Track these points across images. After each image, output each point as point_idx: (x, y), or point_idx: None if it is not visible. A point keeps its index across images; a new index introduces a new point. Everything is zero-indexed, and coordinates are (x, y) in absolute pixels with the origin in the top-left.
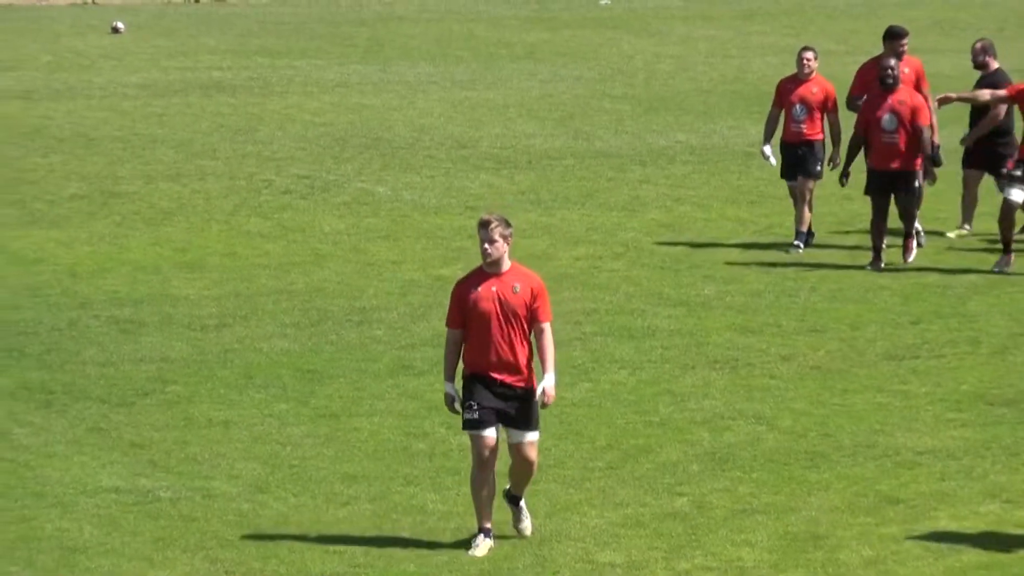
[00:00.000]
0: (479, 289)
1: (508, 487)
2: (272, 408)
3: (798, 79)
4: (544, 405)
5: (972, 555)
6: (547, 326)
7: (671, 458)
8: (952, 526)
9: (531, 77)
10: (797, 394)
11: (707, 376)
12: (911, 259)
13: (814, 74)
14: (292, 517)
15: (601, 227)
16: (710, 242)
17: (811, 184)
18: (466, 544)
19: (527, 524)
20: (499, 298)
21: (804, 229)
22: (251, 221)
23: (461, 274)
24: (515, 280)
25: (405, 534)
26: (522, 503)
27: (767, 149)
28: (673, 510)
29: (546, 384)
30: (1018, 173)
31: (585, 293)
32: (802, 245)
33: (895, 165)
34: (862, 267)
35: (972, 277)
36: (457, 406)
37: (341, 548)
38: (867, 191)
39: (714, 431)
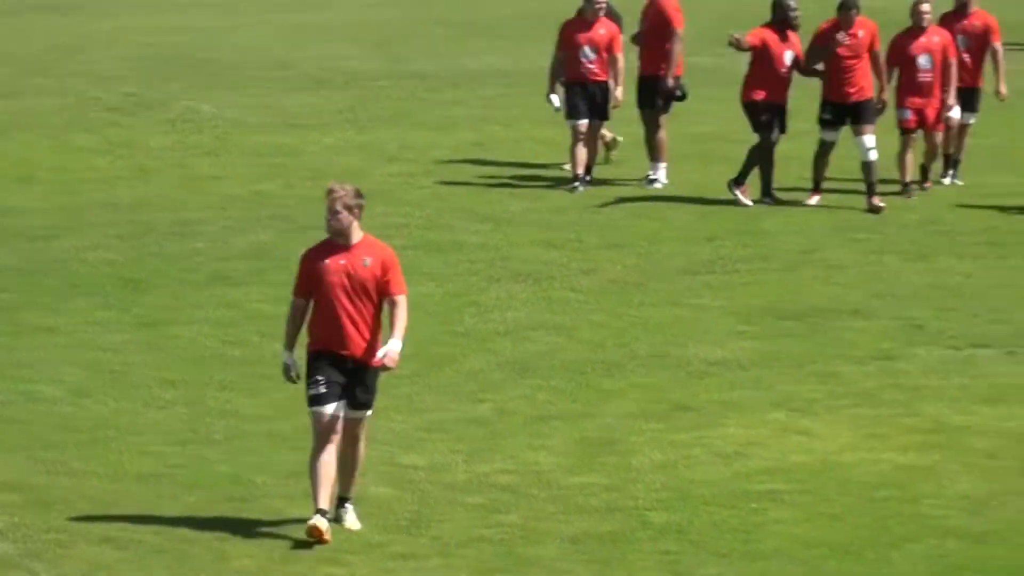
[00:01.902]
0: (327, 262)
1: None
2: (95, 316)
3: (586, 22)
4: (385, 368)
5: (758, 460)
6: (401, 299)
7: (474, 367)
8: (739, 433)
9: (350, 1)
10: (596, 307)
11: (511, 289)
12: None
13: (600, 17)
14: (112, 420)
15: (413, 145)
16: (517, 161)
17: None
18: (278, 445)
19: (353, 521)
20: (348, 272)
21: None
22: (80, 137)
23: (310, 245)
24: (365, 253)
25: (218, 436)
26: (349, 505)
27: (555, 98)
28: (475, 416)
29: (390, 347)
30: (828, 116)
31: (396, 208)
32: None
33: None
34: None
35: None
36: (294, 375)
37: (157, 449)
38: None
39: (516, 341)
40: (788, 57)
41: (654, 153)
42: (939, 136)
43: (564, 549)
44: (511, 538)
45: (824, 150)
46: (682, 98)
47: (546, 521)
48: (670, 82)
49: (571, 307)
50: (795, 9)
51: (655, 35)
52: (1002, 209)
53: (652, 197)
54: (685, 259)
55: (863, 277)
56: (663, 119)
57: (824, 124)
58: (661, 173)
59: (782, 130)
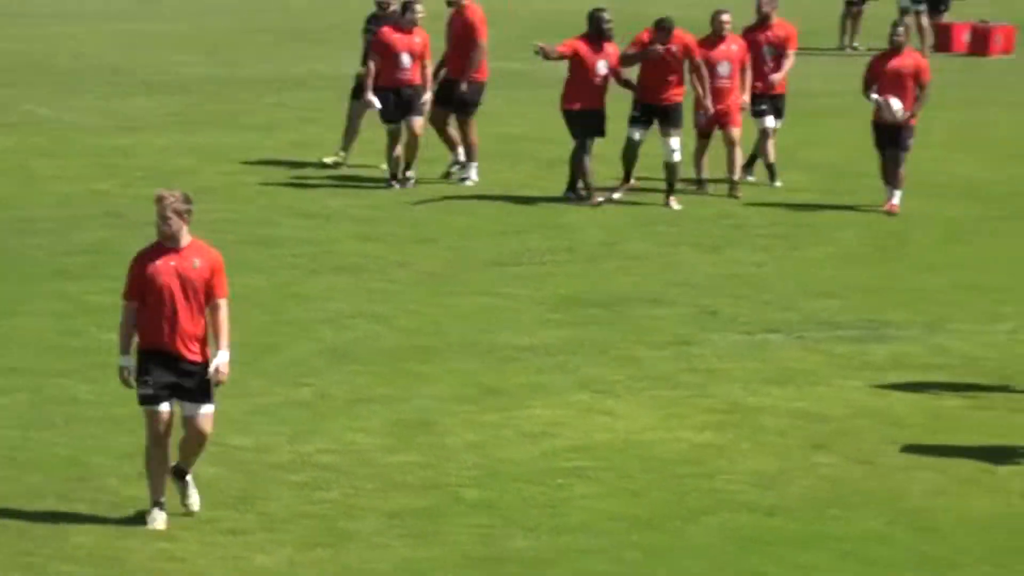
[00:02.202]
0: (157, 263)
1: (176, 463)
2: None
3: (404, 29)
4: (218, 383)
5: (564, 440)
6: (223, 302)
7: (297, 354)
8: (546, 414)
9: (182, 11)
10: (411, 297)
11: (331, 280)
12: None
13: (417, 25)
14: None
15: (241, 146)
16: (338, 160)
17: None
18: (114, 428)
19: (195, 499)
20: (178, 273)
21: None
22: None
23: (142, 246)
24: (194, 255)
25: (58, 421)
26: (189, 478)
27: (374, 99)
28: (298, 399)
29: (219, 361)
30: (637, 114)
31: (225, 205)
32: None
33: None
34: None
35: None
36: (131, 379)
37: None
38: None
39: (336, 329)
40: (602, 67)
41: (467, 153)
42: (736, 132)
43: (382, 524)
44: (333, 514)
45: (630, 146)
46: (474, 103)
47: (365, 498)
48: (463, 87)
49: (388, 297)
50: (608, 21)
51: (460, 43)
52: (790, 205)
53: (464, 194)
54: (494, 252)
55: (661, 267)
56: (471, 122)
57: (633, 122)
58: (473, 172)
59: (600, 135)
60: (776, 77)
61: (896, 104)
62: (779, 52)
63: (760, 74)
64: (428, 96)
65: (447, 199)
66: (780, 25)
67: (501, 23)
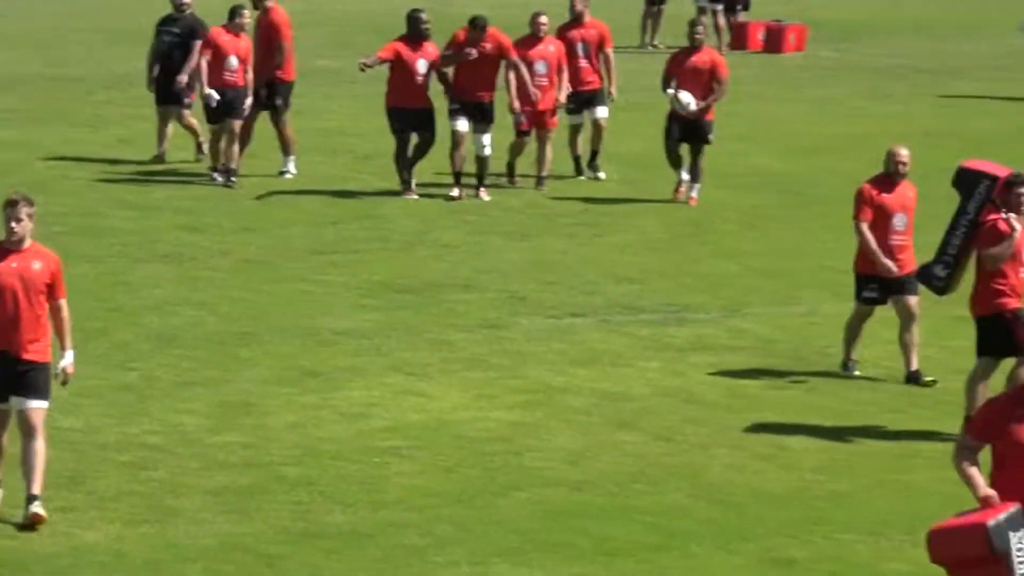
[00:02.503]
0: (0, 265)
1: (27, 490)
2: None
3: (233, 32)
4: (64, 382)
5: (379, 420)
6: (63, 302)
7: (124, 339)
8: (363, 395)
9: (13, 11)
10: (233, 284)
11: (157, 269)
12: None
13: (244, 29)
14: None
15: (69, 141)
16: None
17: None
18: None
19: (38, 508)
20: (20, 274)
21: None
22: None
23: None
24: (34, 257)
25: None
26: (39, 505)
27: (213, 93)
28: (125, 383)
29: (66, 362)
30: (455, 107)
31: (54, 199)
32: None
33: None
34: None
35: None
36: None
37: None
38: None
39: (162, 315)
40: (422, 66)
41: (285, 148)
42: (552, 133)
43: (207, 501)
44: (159, 492)
45: (456, 142)
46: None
47: (190, 476)
48: (273, 87)
49: (211, 284)
50: (426, 21)
51: (267, 45)
52: (593, 195)
53: (283, 186)
54: (312, 241)
55: (471, 255)
56: (286, 118)
57: (452, 114)
58: (291, 165)
59: (425, 131)
60: (613, 92)
61: (686, 98)
62: (591, 50)
63: (574, 71)
64: (250, 100)
65: (268, 191)
66: (593, 23)
67: (315, 24)
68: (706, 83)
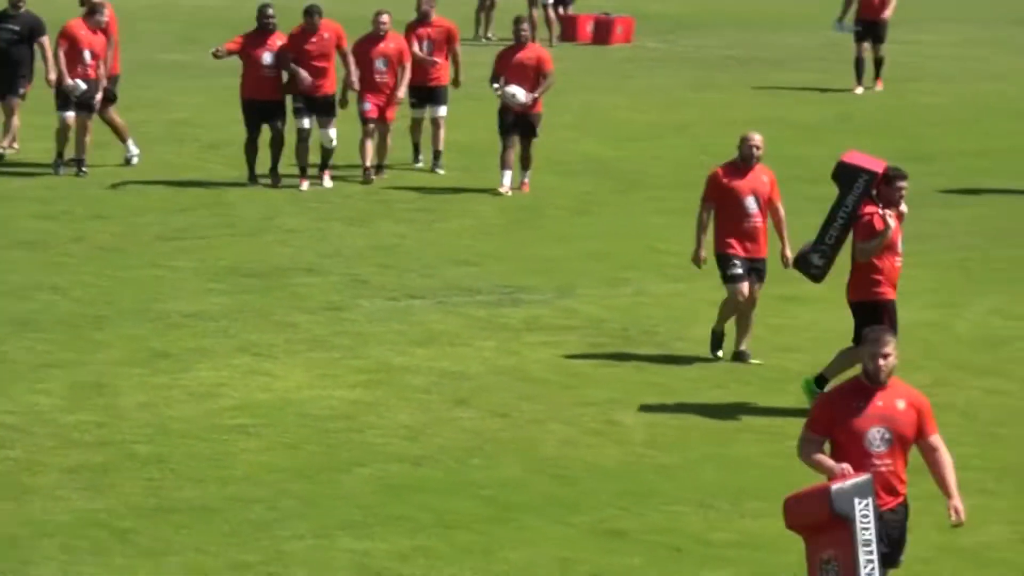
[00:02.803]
0: None
1: None
2: None
3: (91, 28)
4: None
5: (227, 399)
6: None
7: None
8: (211, 375)
9: None
10: (86, 269)
11: (12, 255)
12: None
13: (102, 27)
14: None
15: None
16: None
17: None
18: None
19: None
20: None
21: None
22: None
23: None
24: None
25: None
26: None
27: (78, 82)
28: None
29: None
30: (300, 106)
31: None
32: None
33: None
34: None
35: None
36: None
37: None
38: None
39: (18, 300)
40: (267, 58)
41: (121, 135)
42: (390, 125)
43: (62, 478)
44: (15, 470)
45: (301, 137)
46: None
47: (46, 455)
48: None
49: (65, 270)
50: (271, 16)
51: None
52: (430, 183)
53: (134, 175)
54: (162, 227)
55: (314, 240)
56: (111, 110)
57: (297, 112)
58: (133, 147)
59: (275, 122)
60: (461, 80)
61: (513, 90)
62: (436, 47)
63: (419, 67)
64: (100, 95)
65: (118, 179)
66: (439, 22)
67: (163, 19)
68: (533, 77)
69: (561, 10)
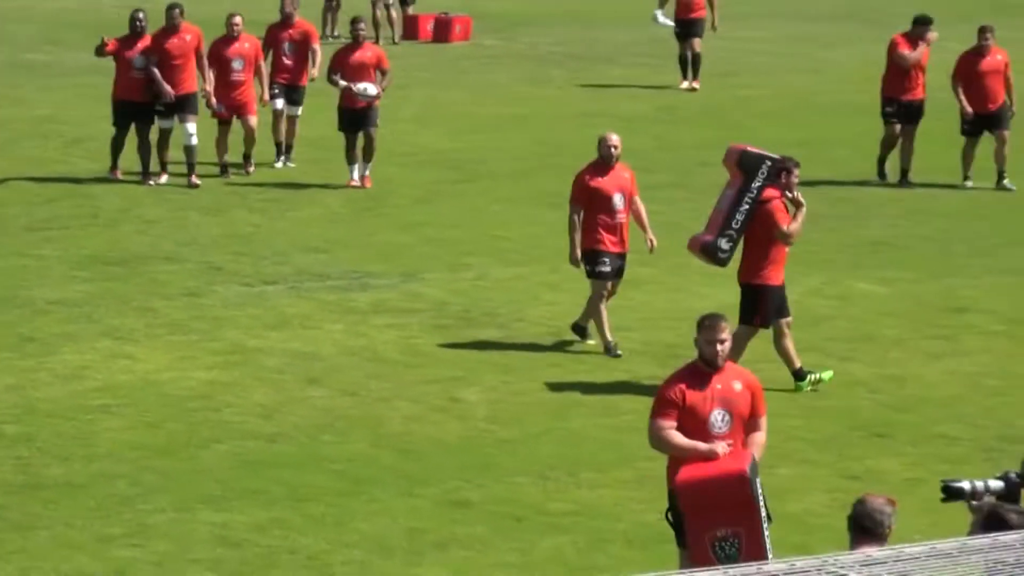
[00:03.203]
0: None
1: None
2: None
3: None
4: None
5: (91, 381)
6: None
7: None
8: (75, 359)
9: None
10: None
11: None
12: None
13: None
14: None
15: None
16: None
17: None
18: None
19: None
20: None
21: None
22: None
23: None
24: None
25: None
26: None
27: None
28: None
29: None
30: (161, 108)
31: None
32: None
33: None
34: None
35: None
36: None
37: None
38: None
39: None
40: (138, 61)
41: None
42: (253, 120)
43: None
44: None
45: (163, 135)
46: None
47: None
48: None
49: None
50: (141, 19)
51: None
52: (282, 174)
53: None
54: (27, 218)
55: (172, 229)
56: None
57: (159, 113)
58: None
59: (143, 122)
60: (314, 72)
61: (364, 86)
62: (299, 49)
63: (282, 67)
64: None
65: None
66: (301, 24)
67: (27, 20)
68: (373, 75)
69: (405, 9)
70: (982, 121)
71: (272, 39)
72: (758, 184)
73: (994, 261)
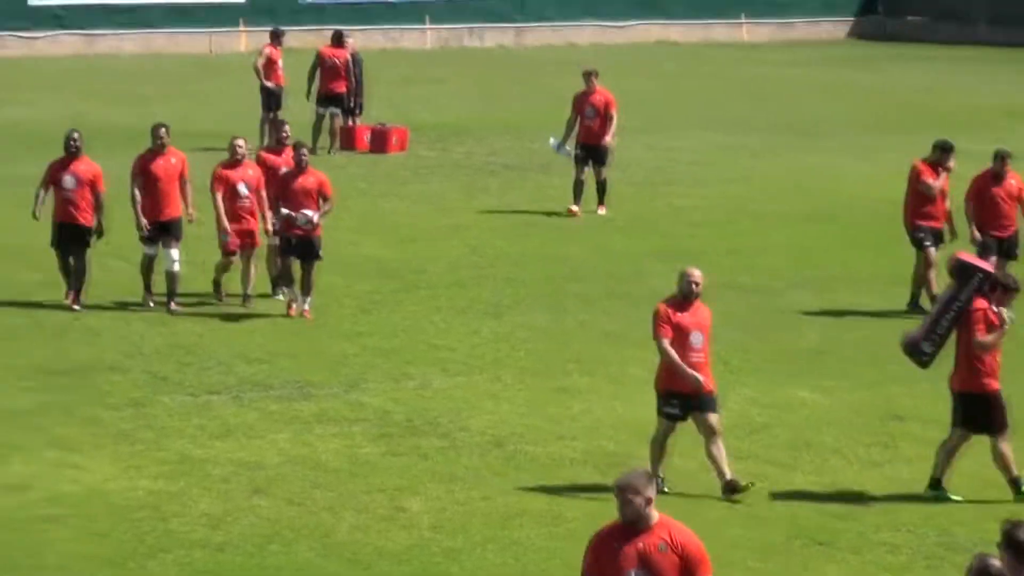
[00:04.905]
0: None
1: None
2: None
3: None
4: None
5: (38, 491)
6: None
7: None
8: (23, 469)
9: None
10: None
11: None
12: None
13: None
14: None
15: None
16: None
17: None
18: None
19: None
20: None
21: None
22: None
23: None
24: None
25: None
26: None
27: None
28: None
29: None
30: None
31: None
32: None
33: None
34: None
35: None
36: None
37: None
38: None
39: None
40: (68, 181)
41: None
42: (255, 251)
43: None
44: None
45: (147, 265)
46: None
47: None
48: None
49: None
50: (75, 140)
51: None
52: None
53: None
54: None
55: (117, 339)
56: None
57: (144, 241)
58: None
59: (80, 247)
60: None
61: (308, 214)
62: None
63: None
64: None
65: None
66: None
67: None
68: (316, 200)
69: (351, 121)
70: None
71: (269, 163)
72: (967, 293)
73: (930, 369)
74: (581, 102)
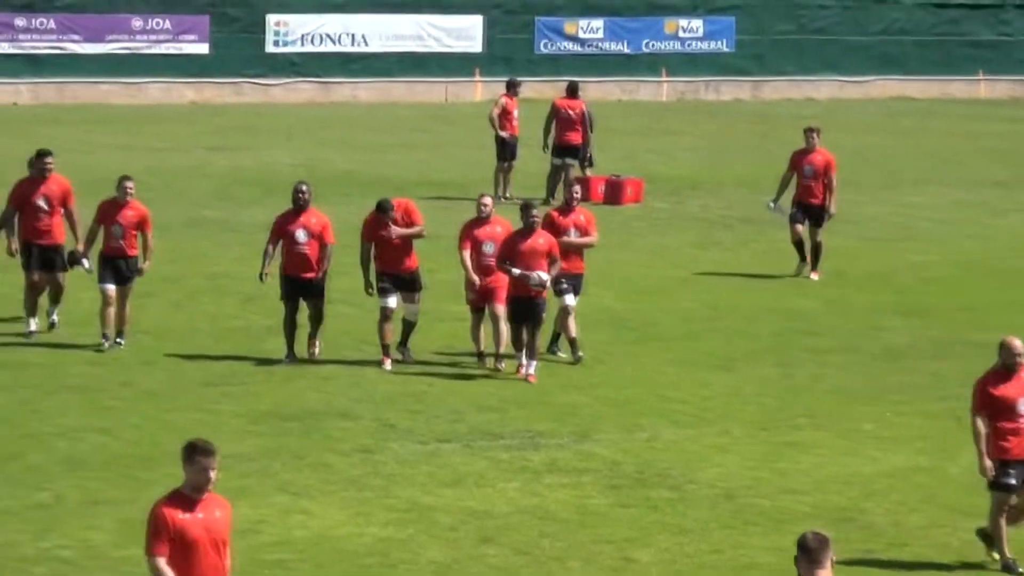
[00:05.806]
0: None
1: None
2: None
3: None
4: None
5: (267, 536)
6: None
7: (36, 462)
8: (251, 513)
9: None
10: (134, 412)
11: (64, 399)
12: None
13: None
14: None
15: None
16: None
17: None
18: None
19: None
20: None
21: None
22: None
23: None
24: None
25: None
26: None
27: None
28: (38, 502)
29: None
30: (385, 284)
31: None
32: None
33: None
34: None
35: (269, 324)
36: None
37: None
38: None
39: (70, 441)
40: (300, 235)
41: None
42: (502, 308)
43: None
44: None
45: (385, 316)
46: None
47: None
48: None
49: (114, 413)
50: (304, 192)
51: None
52: (447, 348)
53: (178, 324)
54: (205, 373)
55: (347, 386)
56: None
57: (382, 292)
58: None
59: (314, 299)
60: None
61: (541, 277)
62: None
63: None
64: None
65: (166, 328)
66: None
67: (202, 177)
68: (545, 260)
69: (586, 171)
70: None
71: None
72: None
73: None
74: (799, 160)
